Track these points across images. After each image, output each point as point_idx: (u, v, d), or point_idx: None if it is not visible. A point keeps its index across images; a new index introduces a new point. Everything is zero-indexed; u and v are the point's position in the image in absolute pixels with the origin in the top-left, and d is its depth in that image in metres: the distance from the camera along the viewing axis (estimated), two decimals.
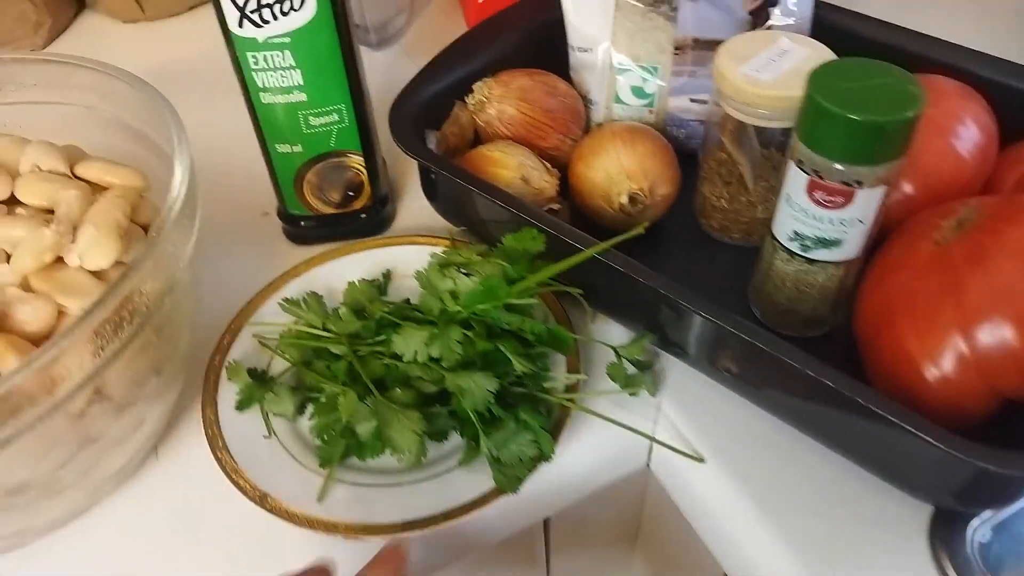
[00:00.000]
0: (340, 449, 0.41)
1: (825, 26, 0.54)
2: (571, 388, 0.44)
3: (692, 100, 0.56)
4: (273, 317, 0.49)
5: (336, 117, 0.51)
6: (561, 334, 0.43)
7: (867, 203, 0.41)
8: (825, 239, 0.43)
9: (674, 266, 0.54)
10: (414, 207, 0.60)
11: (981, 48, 0.53)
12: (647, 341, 0.46)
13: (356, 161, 0.53)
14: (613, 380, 0.46)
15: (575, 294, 0.46)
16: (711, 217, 0.54)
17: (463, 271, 0.43)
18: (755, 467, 0.44)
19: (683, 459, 0.45)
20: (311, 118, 0.50)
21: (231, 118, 0.54)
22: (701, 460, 0.44)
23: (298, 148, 0.52)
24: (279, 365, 0.47)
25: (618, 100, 0.58)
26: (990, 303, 0.39)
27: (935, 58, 0.53)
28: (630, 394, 0.46)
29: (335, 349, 0.44)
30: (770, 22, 0.54)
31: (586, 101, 0.59)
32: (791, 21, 0.54)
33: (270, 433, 0.44)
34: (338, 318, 0.46)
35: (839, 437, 0.42)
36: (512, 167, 0.52)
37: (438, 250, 0.53)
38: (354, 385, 0.42)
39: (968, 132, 0.48)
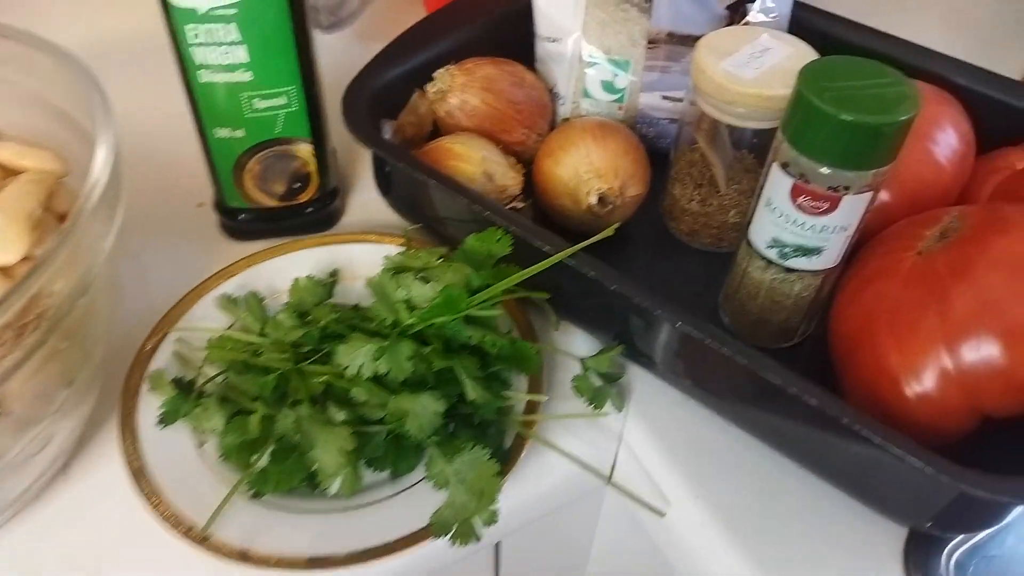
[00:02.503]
0: (281, 477, 0.37)
1: (802, 27, 0.52)
2: (531, 407, 0.41)
3: (664, 97, 0.54)
4: (205, 321, 0.44)
5: (284, 100, 0.46)
6: (525, 351, 0.39)
7: (852, 210, 0.39)
8: (805, 247, 0.41)
9: (640, 271, 0.52)
10: (364, 202, 0.56)
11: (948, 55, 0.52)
12: (616, 353, 0.43)
13: (304, 150, 0.49)
14: (579, 394, 0.43)
15: (540, 301, 0.43)
16: (680, 220, 0.52)
17: (421, 277, 0.39)
18: (724, 487, 0.42)
19: (647, 478, 0.43)
20: (256, 100, 0.46)
21: (166, 97, 0.49)
22: (661, 514, 0.41)
23: (240, 133, 0.47)
24: (210, 374, 0.43)
25: (586, 95, 0.55)
26: (976, 317, 0.37)
27: (912, 63, 0.52)
28: (595, 409, 0.43)
29: (267, 359, 0.39)
30: (747, 19, 0.52)
31: (552, 95, 0.56)
32: (769, 19, 0.52)
33: (199, 449, 0.40)
34: (277, 323, 0.41)
35: (814, 456, 0.40)
36: (475, 161, 0.49)
37: (391, 249, 0.49)
38: (282, 402, 0.38)
39: (947, 138, 0.47)
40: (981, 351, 0.37)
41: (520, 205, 0.50)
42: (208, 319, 0.45)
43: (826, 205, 0.38)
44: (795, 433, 0.39)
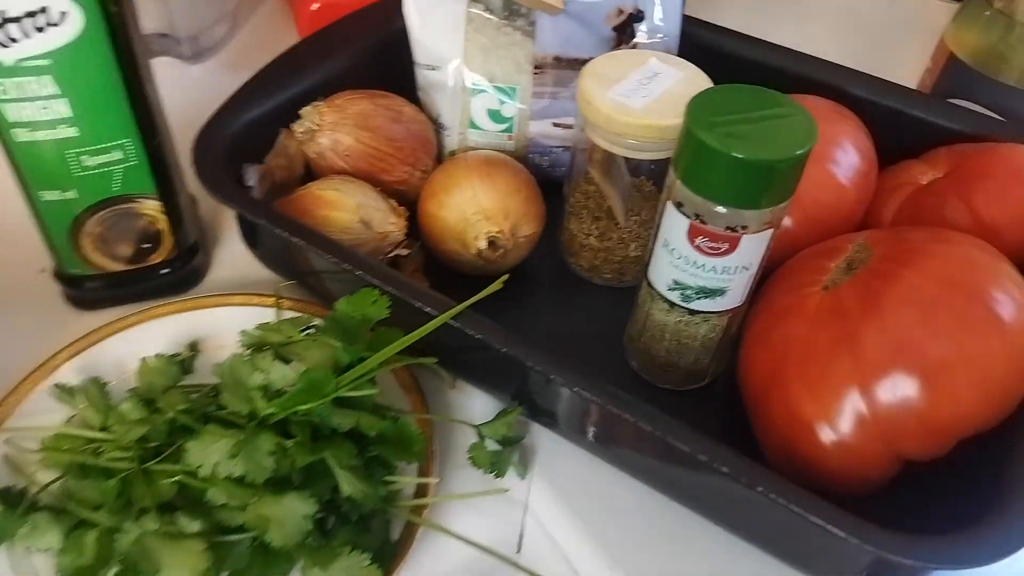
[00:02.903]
0: None
1: (693, 42, 0.50)
2: (423, 488, 0.36)
3: (555, 124, 0.50)
4: (41, 415, 0.38)
5: (119, 155, 0.40)
6: (408, 432, 0.35)
7: (753, 249, 0.36)
8: (708, 288, 0.37)
9: (540, 312, 0.48)
10: (233, 255, 0.50)
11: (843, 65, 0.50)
12: (515, 416, 0.39)
13: (151, 206, 0.43)
14: (475, 465, 0.38)
15: (429, 365, 0.39)
16: (580, 256, 0.48)
17: (281, 356, 0.34)
18: (639, 554, 0.38)
19: (555, 550, 0.39)
20: (85, 158, 0.40)
21: None
22: None
23: (71, 194, 0.41)
24: (45, 481, 0.37)
25: (473, 125, 0.50)
26: (890, 356, 0.34)
27: (807, 75, 0.50)
28: (495, 476, 0.39)
29: (108, 460, 0.34)
30: (636, 39, 0.48)
31: (437, 126, 0.52)
32: (658, 38, 0.49)
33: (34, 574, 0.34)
34: (120, 415, 0.36)
35: (733, 518, 0.37)
36: (349, 208, 0.44)
37: (260, 312, 0.43)
38: (128, 510, 0.32)
39: (847, 157, 0.45)
40: (897, 392, 0.34)
41: (404, 252, 0.46)
42: (45, 412, 0.38)
43: (725, 246, 0.35)
44: (711, 495, 0.36)
